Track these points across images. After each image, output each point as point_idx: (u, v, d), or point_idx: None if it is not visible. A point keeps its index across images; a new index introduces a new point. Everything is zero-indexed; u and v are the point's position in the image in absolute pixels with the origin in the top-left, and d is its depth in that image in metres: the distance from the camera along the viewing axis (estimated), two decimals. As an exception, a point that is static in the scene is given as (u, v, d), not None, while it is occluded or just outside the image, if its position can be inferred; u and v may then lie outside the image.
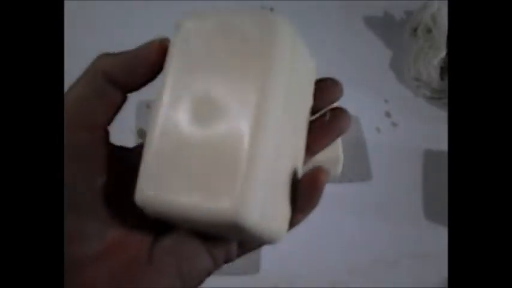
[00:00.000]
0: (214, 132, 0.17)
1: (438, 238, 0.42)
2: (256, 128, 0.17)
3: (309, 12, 0.62)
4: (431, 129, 0.51)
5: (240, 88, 0.18)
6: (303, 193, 0.20)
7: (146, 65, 0.20)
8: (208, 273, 0.21)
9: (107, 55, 0.21)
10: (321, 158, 0.47)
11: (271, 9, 0.62)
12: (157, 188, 0.18)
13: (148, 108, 0.50)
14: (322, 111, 0.23)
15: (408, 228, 0.46)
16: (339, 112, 0.22)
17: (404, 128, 0.52)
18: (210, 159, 0.17)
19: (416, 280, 0.44)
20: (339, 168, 0.47)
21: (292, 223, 0.21)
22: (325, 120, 0.22)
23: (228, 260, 0.22)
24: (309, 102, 0.22)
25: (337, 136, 0.23)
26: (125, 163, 0.21)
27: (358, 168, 0.49)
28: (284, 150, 0.19)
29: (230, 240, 0.21)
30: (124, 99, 0.21)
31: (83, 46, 0.55)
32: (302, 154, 0.22)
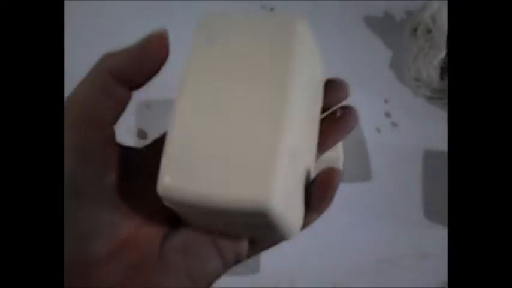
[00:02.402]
0: (237, 126, 0.18)
1: (438, 238, 0.42)
2: (278, 123, 0.18)
3: (309, 12, 0.62)
4: (431, 129, 0.51)
5: (261, 85, 0.18)
6: (318, 192, 0.21)
7: (152, 60, 0.20)
8: (218, 274, 0.21)
9: (111, 54, 0.21)
10: (321, 157, 0.47)
11: (271, 9, 0.62)
12: (181, 177, 0.18)
13: (148, 108, 0.50)
14: (331, 110, 0.23)
15: (408, 228, 0.46)
16: (349, 110, 0.23)
17: (404, 128, 0.52)
18: (234, 152, 0.18)
19: (416, 280, 0.44)
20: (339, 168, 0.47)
21: (306, 222, 0.21)
22: (336, 117, 0.23)
23: (238, 261, 0.22)
24: (319, 102, 0.23)
25: (347, 133, 0.23)
26: (132, 161, 0.21)
27: (358, 168, 0.49)
28: (300, 148, 0.20)
29: (242, 239, 0.21)
30: (130, 97, 0.21)
31: (83, 45, 0.55)
32: (314, 153, 0.22)
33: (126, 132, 0.47)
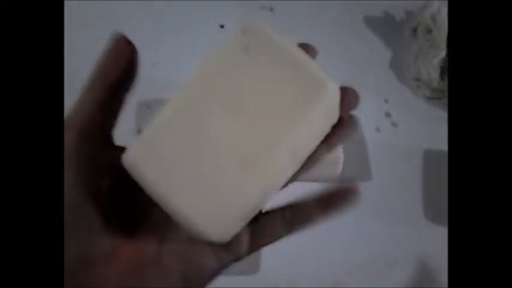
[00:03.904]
0: (218, 154, 0.18)
1: (438, 238, 0.42)
2: (254, 170, 0.18)
3: (309, 12, 0.62)
4: (431, 129, 0.51)
5: (262, 124, 0.18)
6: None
7: (123, 55, 0.21)
8: (214, 274, 0.21)
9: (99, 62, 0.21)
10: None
11: (271, 10, 0.62)
12: (145, 161, 0.18)
13: (148, 108, 0.50)
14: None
15: (408, 228, 0.46)
16: (351, 119, 0.23)
17: (404, 128, 0.52)
18: (202, 172, 0.18)
19: (416, 280, 0.44)
20: (339, 168, 0.47)
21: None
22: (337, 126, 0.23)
23: (237, 259, 0.22)
24: (319, 139, 0.22)
25: (343, 141, 0.23)
26: None
27: (358, 168, 0.49)
28: (275, 184, 0.20)
29: (240, 236, 0.21)
30: (122, 102, 0.22)
31: (83, 45, 0.55)
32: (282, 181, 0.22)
33: (126, 132, 0.47)
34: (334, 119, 0.22)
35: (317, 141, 0.21)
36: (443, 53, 0.53)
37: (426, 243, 0.45)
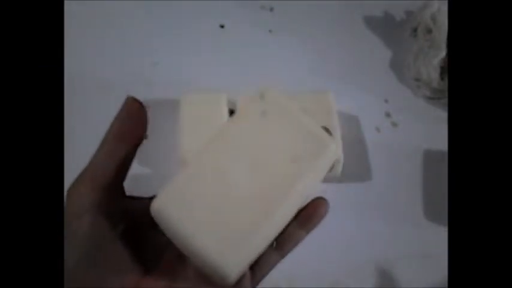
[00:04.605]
0: (238, 200, 0.21)
1: (438, 238, 0.42)
2: (267, 216, 0.21)
3: (309, 12, 0.62)
4: (431, 129, 0.51)
5: (273, 178, 0.21)
6: (307, 215, 0.25)
7: (138, 116, 0.24)
8: None
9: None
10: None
11: (271, 9, 0.62)
12: (175, 206, 0.20)
13: (148, 108, 0.50)
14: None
15: (408, 228, 0.46)
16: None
17: (404, 128, 0.52)
18: (224, 216, 0.20)
19: (416, 280, 0.44)
20: (339, 168, 0.47)
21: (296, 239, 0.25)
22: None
23: None
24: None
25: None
26: (139, 212, 0.23)
27: (358, 168, 0.49)
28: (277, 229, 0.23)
29: (245, 274, 0.23)
30: (133, 155, 0.24)
31: (83, 45, 0.55)
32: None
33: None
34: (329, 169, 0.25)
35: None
36: (443, 53, 0.53)
37: (426, 243, 0.45)
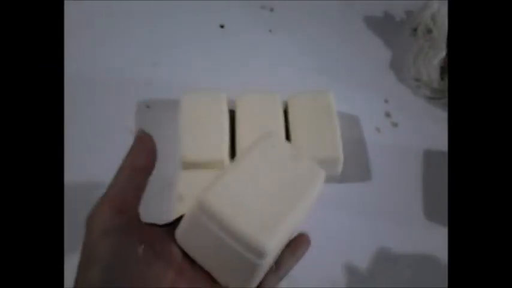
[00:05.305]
0: (269, 196, 0.26)
1: (438, 238, 0.42)
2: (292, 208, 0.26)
3: (309, 12, 0.62)
4: (431, 129, 0.51)
5: (287, 191, 0.27)
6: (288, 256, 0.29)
7: (150, 148, 0.27)
8: None
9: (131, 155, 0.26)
10: (321, 157, 0.47)
11: (271, 10, 0.62)
12: (224, 202, 0.25)
13: (148, 108, 0.50)
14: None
15: (408, 228, 0.46)
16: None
17: (404, 128, 0.52)
18: (259, 209, 0.25)
19: (417, 280, 0.44)
20: (339, 168, 0.47)
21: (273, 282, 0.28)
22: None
23: None
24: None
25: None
26: (155, 234, 0.26)
27: (358, 168, 0.49)
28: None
29: None
30: (147, 183, 0.26)
31: (83, 45, 0.55)
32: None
33: (126, 132, 0.47)
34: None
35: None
36: (443, 53, 0.53)
37: (426, 243, 0.45)
